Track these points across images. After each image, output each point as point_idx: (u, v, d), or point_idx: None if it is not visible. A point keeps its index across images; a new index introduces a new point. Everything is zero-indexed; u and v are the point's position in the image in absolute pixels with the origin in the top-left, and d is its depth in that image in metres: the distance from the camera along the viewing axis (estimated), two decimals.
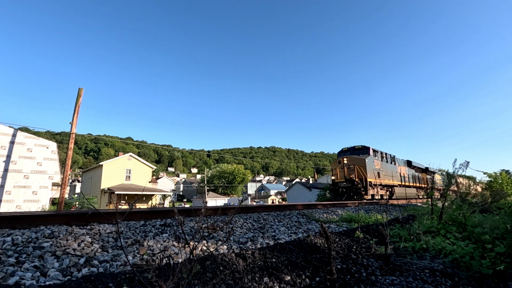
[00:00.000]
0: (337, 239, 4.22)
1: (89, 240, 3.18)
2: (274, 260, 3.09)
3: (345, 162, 16.19)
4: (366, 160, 15.93)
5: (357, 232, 4.48)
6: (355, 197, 15.28)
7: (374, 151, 17.71)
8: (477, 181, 15.30)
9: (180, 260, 2.80)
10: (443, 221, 4.95)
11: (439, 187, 27.84)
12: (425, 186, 25.08)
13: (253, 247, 3.63)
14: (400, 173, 20.57)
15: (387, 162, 19.02)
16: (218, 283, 2.39)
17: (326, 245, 2.83)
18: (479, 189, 13.32)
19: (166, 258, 2.83)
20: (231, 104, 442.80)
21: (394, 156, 20.55)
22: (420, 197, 22.32)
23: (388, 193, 18.16)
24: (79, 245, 2.99)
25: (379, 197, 16.84)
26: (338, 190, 16.16)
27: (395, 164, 20.23)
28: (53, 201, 27.04)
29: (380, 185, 17.13)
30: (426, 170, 26.31)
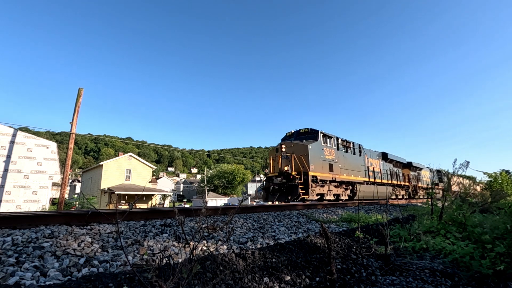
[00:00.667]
0: (337, 239, 4.22)
1: (89, 240, 3.18)
2: (274, 260, 3.09)
3: (283, 149, 12.26)
4: (310, 147, 11.95)
5: (357, 232, 4.48)
6: (290, 197, 11.46)
7: (325, 136, 13.43)
8: (477, 181, 15.24)
9: (180, 260, 2.80)
10: (443, 221, 4.95)
11: (427, 186, 25.02)
12: (407, 184, 21.60)
13: (253, 247, 3.63)
14: (368, 167, 16.56)
15: (346, 152, 14.87)
16: (218, 283, 2.39)
17: (326, 245, 2.83)
18: (479, 189, 13.26)
19: (166, 258, 2.83)
20: (231, 104, 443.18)
21: (360, 145, 16.44)
22: (399, 197, 19.61)
23: (348, 192, 14.29)
24: (79, 245, 2.99)
25: (333, 197, 13.18)
26: (270, 187, 12.33)
27: (360, 155, 16.14)
28: (53, 201, 27.04)
29: (334, 181, 13.14)
30: (409, 166, 22.76)
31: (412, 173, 22.96)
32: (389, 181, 18.80)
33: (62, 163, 17.81)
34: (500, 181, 14.62)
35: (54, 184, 23.97)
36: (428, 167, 26.80)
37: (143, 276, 2.06)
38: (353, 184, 14.66)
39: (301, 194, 11.16)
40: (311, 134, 13.32)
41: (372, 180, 16.45)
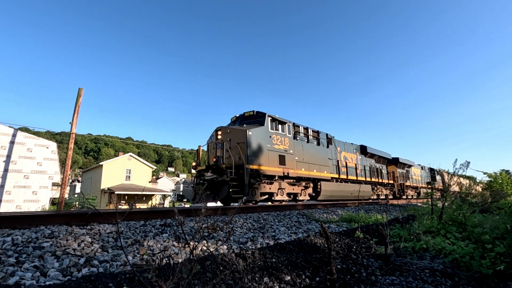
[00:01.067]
0: (337, 239, 4.22)
1: (89, 240, 3.18)
2: (274, 260, 3.09)
3: (218, 137, 9.94)
4: (249, 133, 9.45)
5: (357, 232, 4.48)
6: (216, 197, 9.08)
7: (274, 121, 10.75)
8: (477, 181, 15.22)
9: (180, 260, 2.80)
10: (443, 221, 4.95)
11: (418, 185, 23.01)
12: (392, 182, 19.03)
13: (253, 247, 3.63)
14: (339, 161, 14.05)
15: (308, 142, 12.18)
16: (218, 283, 2.39)
17: (326, 245, 2.83)
18: (479, 189, 13.21)
19: (166, 258, 2.83)
20: (232, 104, 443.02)
21: (328, 135, 13.72)
22: (382, 197, 17.26)
23: (309, 190, 11.85)
24: (79, 245, 2.99)
25: (288, 198, 10.90)
26: (200, 184, 9.61)
27: (328, 147, 13.40)
28: (53, 201, 27.05)
29: (287, 177, 10.63)
30: (395, 162, 20.18)
31: (399, 170, 20.62)
32: (368, 179, 16.13)
33: (62, 163, 17.81)
34: (500, 181, 14.62)
35: (54, 184, 23.98)
36: (419, 164, 25.01)
37: (143, 276, 2.06)
38: (315, 181, 12.13)
39: (232, 193, 8.68)
40: (257, 118, 10.70)
41: (343, 176, 13.96)
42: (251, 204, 8.93)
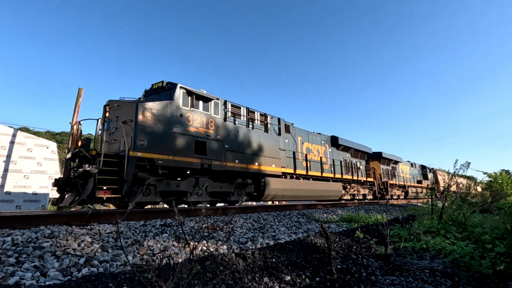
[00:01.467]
0: (337, 239, 4.22)
1: (89, 240, 3.18)
2: (274, 260, 3.09)
3: (107, 114, 7.53)
4: (141, 108, 6.95)
5: (357, 232, 4.48)
6: (76, 197, 6.17)
7: (191, 94, 8.08)
8: (478, 181, 15.17)
9: (180, 260, 2.80)
10: (443, 221, 4.95)
11: (405, 183, 20.61)
12: (371, 180, 16.36)
13: (253, 247, 3.63)
14: (297, 153, 11.34)
15: (248, 126, 9.45)
16: (218, 283, 2.39)
17: (326, 245, 2.83)
18: (479, 189, 13.15)
19: (166, 258, 2.83)
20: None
21: (281, 120, 11.07)
22: (358, 197, 15.06)
23: (249, 188, 9.26)
24: (79, 245, 2.99)
25: (212, 199, 8.38)
26: (61, 180, 6.49)
27: (279, 134, 10.71)
28: (53, 201, 27.04)
29: (209, 170, 8.05)
30: (377, 157, 17.67)
31: (383, 166, 18.13)
32: (338, 175, 13.45)
33: (62, 163, 17.82)
34: (500, 181, 14.63)
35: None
36: (408, 161, 22.84)
37: (143, 276, 2.06)
38: (258, 176, 9.45)
39: (99, 191, 5.98)
40: (166, 91, 7.98)
41: (302, 172, 11.26)
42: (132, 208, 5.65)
